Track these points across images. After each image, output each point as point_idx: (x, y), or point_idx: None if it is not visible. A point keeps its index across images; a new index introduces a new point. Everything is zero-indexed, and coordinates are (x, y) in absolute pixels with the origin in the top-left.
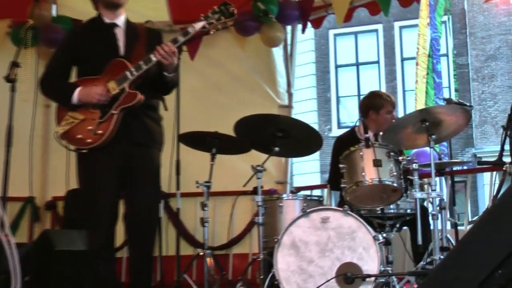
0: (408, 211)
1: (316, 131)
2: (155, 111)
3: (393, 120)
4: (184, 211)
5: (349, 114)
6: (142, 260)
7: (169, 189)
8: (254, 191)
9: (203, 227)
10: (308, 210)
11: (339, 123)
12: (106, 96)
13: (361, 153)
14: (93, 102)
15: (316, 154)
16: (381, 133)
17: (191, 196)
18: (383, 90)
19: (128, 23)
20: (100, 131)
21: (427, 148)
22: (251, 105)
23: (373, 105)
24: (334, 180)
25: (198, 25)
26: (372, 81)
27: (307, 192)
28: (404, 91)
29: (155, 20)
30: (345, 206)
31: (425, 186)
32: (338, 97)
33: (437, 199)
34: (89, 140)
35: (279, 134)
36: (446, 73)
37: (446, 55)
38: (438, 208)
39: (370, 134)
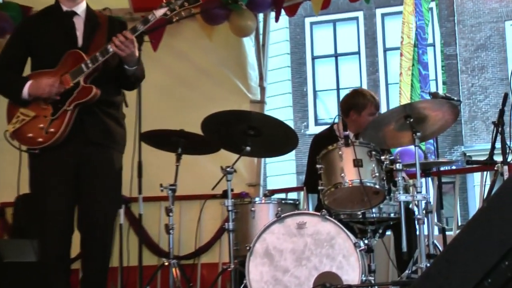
0: (392, 215)
1: (291, 129)
2: (116, 109)
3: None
4: (147, 217)
5: (328, 110)
6: (96, 273)
7: (130, 193)
8: (224, 195)
9: (168, 234)
10: (283, 215)
11: (316, 119)
12: (58, 88)
13: (340, 152)
14: (44, 95)
15: (292, 154)
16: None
17: (154, 200)
18: (364, 83)
19: (89, 12)
20: (52, 129)
21: (412, 147)
22: (219, 100)
23: (355, 105)
24: (311, 182)
25: (159, 12)
26: (353, 73)
27: (282, 196)
28: (387, 84)
29: (115, 8)
30: (323, 210)
31: (410, 188)
32: (315, 91)
33: (423, 202)
34: (40, 139)
35: (251, 132)
36: (433, 65)
37: (433, 44)
38: (424, 211)
39: (350, 133)
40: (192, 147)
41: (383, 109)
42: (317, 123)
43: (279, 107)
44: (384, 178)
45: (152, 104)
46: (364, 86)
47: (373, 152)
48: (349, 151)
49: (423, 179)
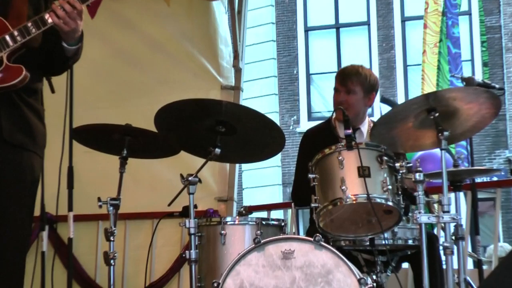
0: (410, 242)
1: (276, 125)
2: (36, 99)
3: (340, 102)
4: (80, 242)
5: (325, 100)
6: None
7: (57, 210)
8: (184, 213)
9: (109, 265)
10: (264, 241)
11: (310, 113)
12: None
13: (340, 158)
14: None
15: (277, 159)
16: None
17: (90, 219)
18: (375, 64)
19: None
20: None
21: (437, 150)
22: (179, 85)
23: None
24: (300, 192)
25: None
26: (359, 51)
27: (263, 214)
28: (405, 65)
29: None
30: (317, 234)
31: (435, 206)
32: (308, 75)
33: (452, 225)
34: None
35: (222, 129)
36: (468, 40)
37: (469, 13)
38: (453, 238)
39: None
40: (141, 148)
41: (400, 99)
42: (311, 117)
43: (260, 95)
44: (400, 192)
45: (87, 90)
46: (375, 68)
47: (385, 158)
48: (352, 156)
49: (452, 194)
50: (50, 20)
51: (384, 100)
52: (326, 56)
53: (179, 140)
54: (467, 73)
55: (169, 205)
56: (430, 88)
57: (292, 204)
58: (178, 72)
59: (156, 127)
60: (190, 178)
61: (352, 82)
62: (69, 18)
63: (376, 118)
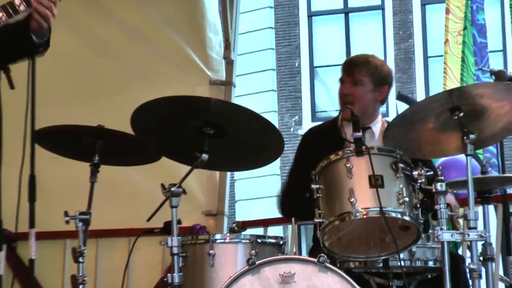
0: (430, 263)
1: (274, 127)
2: None
3: (346, 94)
4: (43, 264)
5: (332, 97)
6: None
7: (16, 227)
8: (166, 229)
9: None
10: (259, 262)
11: (314, 112)
12: None
13: (348, 165)
14: None
15: (275, 166)
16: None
17: (55, 237)
18: (391, 54)
19: None
20: None
21: (462, 156)
22: (161, 80)
23: None
24: (289, 201)
25: None
26: (372, 40)
27: (259, 231)
28: (426, 57)
29: None
30: (322, 255)
31: (460, 221)
32: (312, 68)
33: (480, 244)
34: None
35: (210, 131)
36: (499, 28)
37: None
38: (481, 259)
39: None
40: (116, 153)
41: (420, 95)
42: (315, 117)
43: (256, 91)
44: (418, 205)
45: (52, 85)
46: (390, 60)
47: (401, 165)
48: (362, 162)
49: (480, 207)
50: (22, 8)
51: (400, 97)
52: (333, 46)
53: (160, 144)
54: (497, 66)
55: (148, 220)
56: (453, 83)
57: (292, 219)
58: (159, 64)
59: (133, 129)
60: (173, 189)
61: (359, 72)
62: (50, 12)
63: (391, 118)
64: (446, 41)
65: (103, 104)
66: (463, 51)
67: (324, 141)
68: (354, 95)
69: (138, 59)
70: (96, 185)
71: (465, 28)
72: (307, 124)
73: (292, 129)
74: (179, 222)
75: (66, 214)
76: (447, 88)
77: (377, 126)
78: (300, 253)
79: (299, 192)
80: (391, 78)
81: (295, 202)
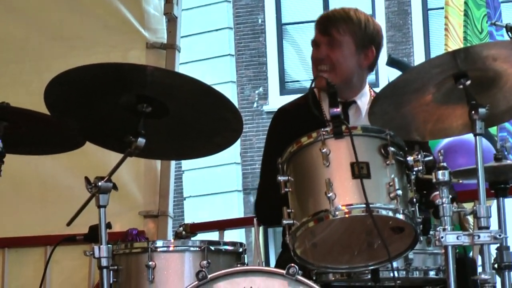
0: (431, 274)
1: (230, 102)
2: None
3: (320, 59)
4: None
5: (306, 63)
6: None
7: None
8: (92, 236)
9: None
10: (212, 275)
11: (283, 82)
12: None
13: (324, 150)
14: None
15: (234, 153)
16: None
17: None
18: (381, 8)
19: None
20: None
21: (470, 137)
22: (83, 43)
23: None
24: (268, 203)
25: None
26: None
27: (213, 235)
28: (426, 9)
29: None
30: (292, 265)
31: (468, 220)
32: (280, 25)
33: (494, 247)
34: None
35: (147, 109)
36: None
37: None
38: (496, 266)
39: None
40: (25, 139)
41: (417, 59)
42: (284, 89)
43: (207, 57)
44: (415, 199)
45: None
46: (380, 15)
47: (391, 149)
48: (342, 147)
49: (494, 201)
50: None
51: (392, 62)
52: None
53: (83, 126)
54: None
55: (68, 224)
56: (456, 44)
57: (255, 219)
58: (80, 23)
59: (47, 107)
60: (100, 184)
61: (337, 30)
62: None
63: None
64: None
65: (8, 75)
66: (465, 2)
67: (300, 123)
68: (331, 59)
69: (53, 17)
70: None
71: None
72: (275, 98)
73: (255, 105)
74: (108, 226)
75: None
76: (450, 49)
77: (364, 100)
78: (266, 264)
79: (276, 192)
80: (380, 37)
81: (273, 204)
